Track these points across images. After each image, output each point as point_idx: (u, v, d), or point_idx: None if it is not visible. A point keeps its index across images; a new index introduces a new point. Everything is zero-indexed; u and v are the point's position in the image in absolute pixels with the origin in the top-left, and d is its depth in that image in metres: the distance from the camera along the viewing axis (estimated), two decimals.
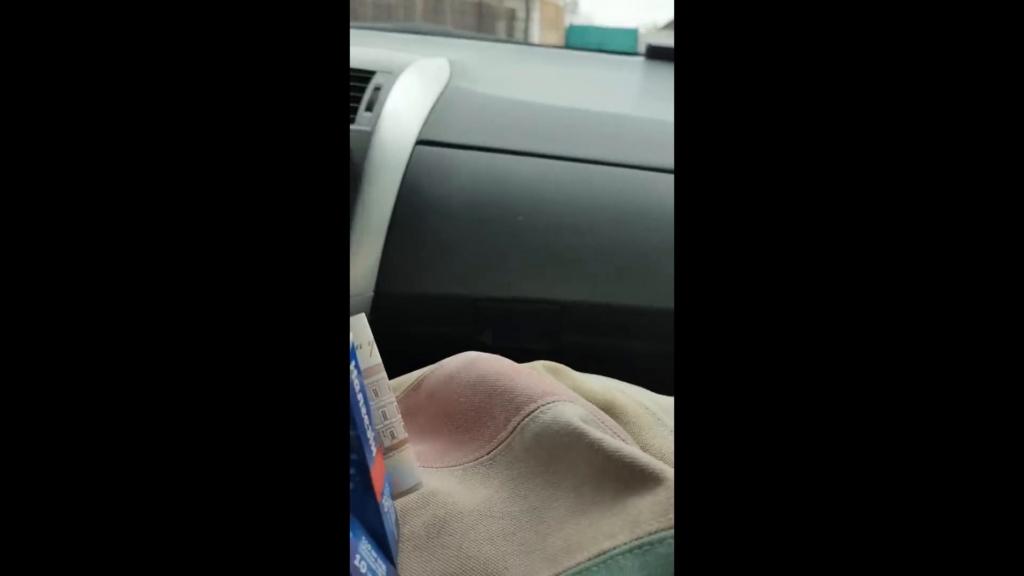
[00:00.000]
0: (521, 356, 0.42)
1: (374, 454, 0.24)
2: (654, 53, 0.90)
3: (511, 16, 9.99)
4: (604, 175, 0.60)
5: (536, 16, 11.31)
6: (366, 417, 0.24)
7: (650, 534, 0.24)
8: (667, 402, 0.38)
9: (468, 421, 0.33)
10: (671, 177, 0.60)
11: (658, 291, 0.57)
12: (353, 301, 0.58)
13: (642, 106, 0.74)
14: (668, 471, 0.26)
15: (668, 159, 0.61)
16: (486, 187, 0.59)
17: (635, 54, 0.95)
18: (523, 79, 0.77)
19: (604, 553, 0.24)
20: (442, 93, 0.66)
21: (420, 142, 0.60)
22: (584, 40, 10.85)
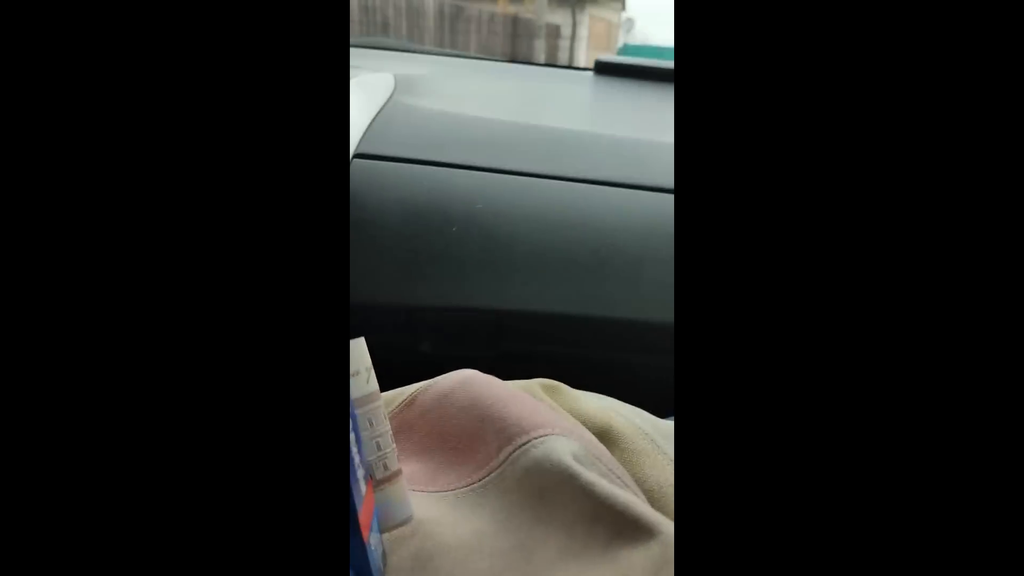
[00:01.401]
0: (461, 363, 0.43)
1: (363, 492, 0.24)
2: (603, 68, 0.92)
3: (555, 33, 7.90)
4: (540, 187, 0.62)
5: (584, 33, 9.12)
6: (357, 456, 0.23)
7: None
8: (665, 426, 0.37)
9: (460, 444, 0.32)
10: (607, 189, 0.62)
11: (591, 299, 0.59)
12: None
13: (588, 120, 0.76)
14: (663, 523, 0.25)
15: (608, 173, 0.63)
16: (423, 199, 0.60)
17: None
18: (470, 93, 0.78)
19: None
20: (383, 107, 0.67)
21: (357, 155, 0.61)
22: None
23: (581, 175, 0.62)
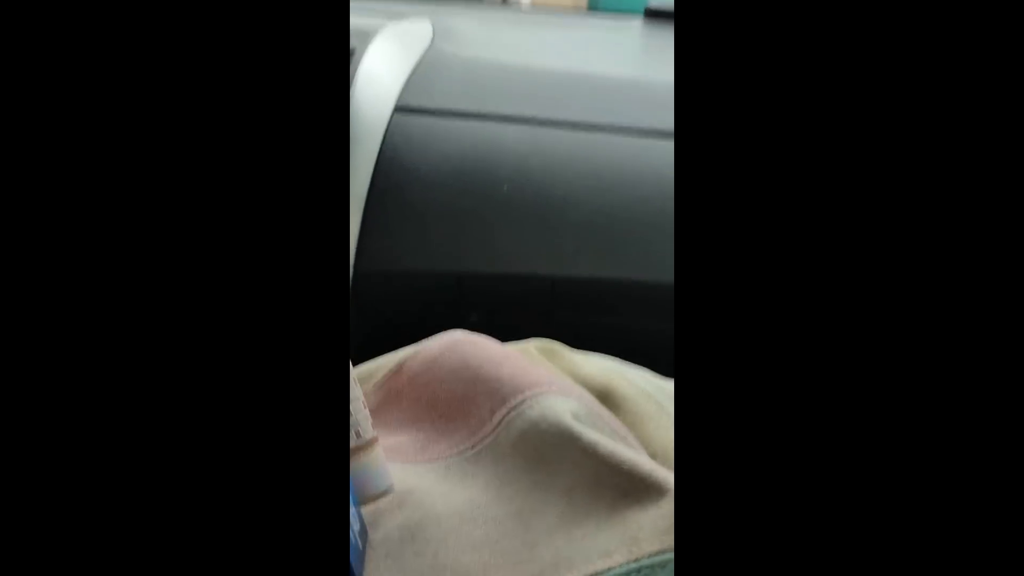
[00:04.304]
0: (513, 335, 0.41)
1: None
2: (653, 14, 0.88)
3: None
4: (596, 142, 0.58)
5: None
6: None
7: (651, 555, 0.22)
8: (671, 388, 0.36)
9: (451, 411, 0.31)
10: (668, 143, 0.58)
11: (655, 264, 0.55)
12: None
13: (640, 69, 0.73)
14: (672, 481, 0.24)
15: (665, 122, 0.59)
16: (470, 156, 0.57)
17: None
18: (512, 42, 0.75)
19: (598, 574, 0.22)
20: (423, 57, 0.64)
21: (398, 109, 0.58)
22: None
23: (643, 126, 0.59)
